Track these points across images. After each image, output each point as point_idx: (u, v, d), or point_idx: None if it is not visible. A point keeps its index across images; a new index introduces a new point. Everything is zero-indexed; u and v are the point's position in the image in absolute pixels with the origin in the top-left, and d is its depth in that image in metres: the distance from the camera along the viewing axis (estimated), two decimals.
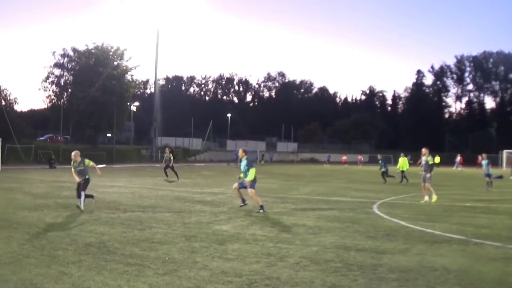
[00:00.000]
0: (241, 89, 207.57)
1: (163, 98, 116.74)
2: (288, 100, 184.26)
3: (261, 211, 17.57)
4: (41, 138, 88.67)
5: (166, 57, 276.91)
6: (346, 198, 23.85)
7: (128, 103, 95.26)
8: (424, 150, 22.97)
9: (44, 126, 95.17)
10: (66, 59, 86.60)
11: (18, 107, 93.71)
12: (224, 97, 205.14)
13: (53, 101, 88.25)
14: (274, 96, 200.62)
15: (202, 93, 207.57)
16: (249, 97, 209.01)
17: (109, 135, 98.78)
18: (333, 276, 8.53)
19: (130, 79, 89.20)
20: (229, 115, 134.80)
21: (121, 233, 12.69)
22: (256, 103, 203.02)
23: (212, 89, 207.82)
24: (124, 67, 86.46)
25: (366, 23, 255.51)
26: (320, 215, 17.08)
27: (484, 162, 32.42)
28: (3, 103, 76.11)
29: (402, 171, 38.51)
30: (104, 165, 61.10)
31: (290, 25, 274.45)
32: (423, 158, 22.85)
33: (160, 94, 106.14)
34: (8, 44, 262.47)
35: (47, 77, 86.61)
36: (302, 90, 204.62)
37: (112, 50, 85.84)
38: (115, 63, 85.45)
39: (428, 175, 22.15)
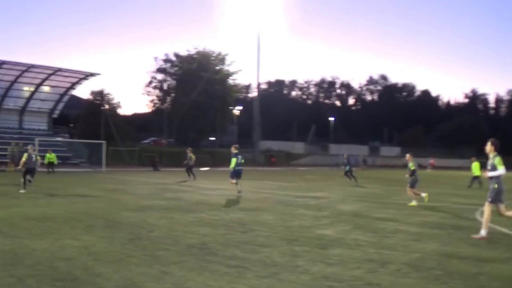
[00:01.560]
0: (343, 92, 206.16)
1: (265, 102, 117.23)
2: (391, 103, 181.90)
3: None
4: (145, 141, 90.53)
5: (268, 61, 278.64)
6: (448, 204, 23.37)
7: (231, 107, 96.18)
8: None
9: (148, 130, 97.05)
10: (168, 64, 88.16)
11: (122, 111, 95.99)
12: (326, 101, 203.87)
13: (156, 105, 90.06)
14: (376, 100, 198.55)
15: (304, 96, 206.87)
16: (351, 101, 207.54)
17: (212, 138, 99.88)
18: (434, 284, 8.39)
19: (233, 83, 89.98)
20: (331, 118, 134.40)
21: (223, 235, 12.83)
22: (359, 107, 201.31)
23: (314, 93, 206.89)
24: (226, 72, 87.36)
25: (468, 24, 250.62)
26: (422, 221, 16.78)
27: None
28: (107, 107, 78.06)
29: (475, 177, 37.92)
30: (208, 168, 62.06)
31: (391, 27, 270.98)
32: None
33: (262, 98, 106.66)
34: (112, 49, 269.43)
35: (150, 82, 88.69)
36: (404, 93, 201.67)
37: (214, 55, 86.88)
38: (217, 67, 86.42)
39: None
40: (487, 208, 13.35)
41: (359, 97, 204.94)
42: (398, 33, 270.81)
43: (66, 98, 77.14)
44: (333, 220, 16.57)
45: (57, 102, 76.67)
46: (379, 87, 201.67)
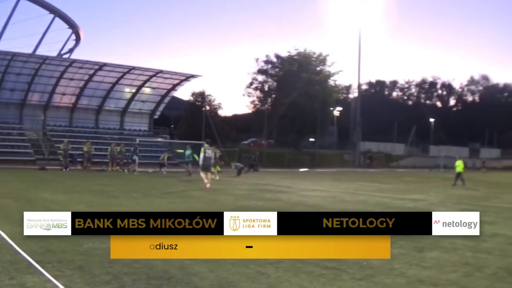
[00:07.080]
0: (444, 93, 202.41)
1: (366, 102, 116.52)
2: (492, 104, 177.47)
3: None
4: (245, 142, 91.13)
5: (369, 62, 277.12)
6: None
7: (331, 108, 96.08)
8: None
9: (248, 131, 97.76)
10: (269, 66, 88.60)
11: (222, 112, 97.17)
12: (427, 101, 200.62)
13: (256, 107, 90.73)
14: (477, 101, 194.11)
15: (405, 97, 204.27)
16: (452, 102, 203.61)
17: (312, 139, 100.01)
18: None
19: (333, 84, 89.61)
20: (432, 120, 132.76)
21: None
22: (459, 108, 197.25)
23: (415, 93, 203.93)
24: (327, 73, 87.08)
25: None
26: None
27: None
28: (208, 108, 79.23)
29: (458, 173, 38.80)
30: (306, 169, 62.16)
31: (494, 25, 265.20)
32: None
33: (362, 98, 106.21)
34: (213, 50, 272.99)
35: (251, 83, 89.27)
36: (505, 94, 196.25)
37: (315, 56, 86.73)
38: (318, 68, 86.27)
39: None
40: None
41: (460, 98, 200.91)
42: (500, 32, 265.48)
43: (167, 99, 78.53)
44: None
45: (158, 103, 78.14)
46: (480, 88, 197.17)
